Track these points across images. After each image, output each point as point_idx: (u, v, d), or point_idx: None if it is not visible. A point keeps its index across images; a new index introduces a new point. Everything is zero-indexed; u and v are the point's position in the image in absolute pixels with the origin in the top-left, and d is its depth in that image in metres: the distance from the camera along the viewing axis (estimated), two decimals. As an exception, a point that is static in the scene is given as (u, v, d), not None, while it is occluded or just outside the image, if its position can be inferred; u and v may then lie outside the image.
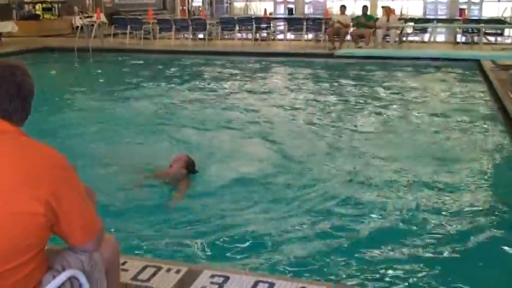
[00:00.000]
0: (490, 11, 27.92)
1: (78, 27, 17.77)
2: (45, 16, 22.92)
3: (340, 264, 4.00)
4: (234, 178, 5.74)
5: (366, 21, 16.34)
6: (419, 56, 14.88)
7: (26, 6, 22.62)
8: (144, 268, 3.18)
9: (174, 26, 18.20)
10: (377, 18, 16.91)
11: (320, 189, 5.51)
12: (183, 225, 4.66)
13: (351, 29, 16.52)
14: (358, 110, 9.50)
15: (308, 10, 33.18)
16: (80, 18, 18.44)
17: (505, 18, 19.10)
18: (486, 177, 6.04)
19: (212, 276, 3.11)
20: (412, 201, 5.23)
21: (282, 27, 20.31)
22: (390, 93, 10.99)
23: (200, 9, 31.18)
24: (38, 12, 22.88)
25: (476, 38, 17.04)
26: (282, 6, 33.71)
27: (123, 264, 3.16)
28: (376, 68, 14.03)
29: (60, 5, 23.23)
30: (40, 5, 22.91)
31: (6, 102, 1.97)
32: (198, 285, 3.02)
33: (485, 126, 8.34)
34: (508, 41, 17.23)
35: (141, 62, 15.42)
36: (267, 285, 3.03)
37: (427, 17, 21.76)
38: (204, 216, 4.83)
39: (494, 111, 9.10)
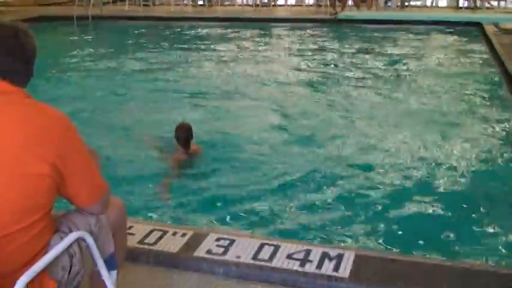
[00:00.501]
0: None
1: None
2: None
3: (345, 229, 4.04)
4: (239, 146, 5.74)
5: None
6: (421, 19, 14.69)
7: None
8: (150, 232, 3.22)
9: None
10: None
11: (325, 156, 5.53)
12: (190, 192, 4.68)
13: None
14: (360, 75, 9.40)
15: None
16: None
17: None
18: (487, 143, 6.03)
19: (218, 239, 3.14)
20: (415, 165, 5.26)
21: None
22: (392, 58, 10.90)
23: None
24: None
25: (478, 3, 16.83)
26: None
27: (130, 228, 3.18)
28: (378, 32, 13.89)
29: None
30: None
31: (8, 63, 1.95)
32: (203, 248, 3.05)
33: (488, 90, 8.30)
34: (511, 5, 16.97)
35: (141, 29, 15.26)
36: (272, 247, 3.05)
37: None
38: (211, 183, 4.85)
39: (497, 76, 9.04)
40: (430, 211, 4.34)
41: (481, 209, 4.39)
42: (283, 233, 3.87)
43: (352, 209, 4.35)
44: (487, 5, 16.71)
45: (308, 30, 14.43)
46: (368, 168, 5.19)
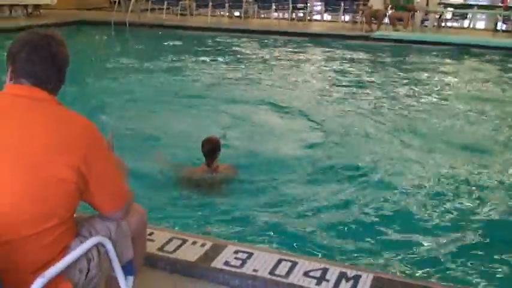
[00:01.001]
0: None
1: (115, 1, 17.90)
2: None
3: (365, 249, 4.01)
4: (264, 162, 5.74)
5: (404, 4, 16.03)
6: (456, 42, 14.57)
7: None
8: (170, 240, 3.24)
9: (210, 3, 18.18)
10: (416, 2, 16.58)
11: (350, 175, 5.48)
12: (211, 203, 4.71)
13: (389, 12, 16.24)
14: (392, 95, 9.38)
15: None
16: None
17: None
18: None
19: (236, 251, 3.15)
20: (444, 191, 5.19)
21: (318, 8, 20.09)
22: (425, 79, 10.84)
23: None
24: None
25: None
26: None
27: (150, 234, 3.22)
28: (413, 52, 13.82)
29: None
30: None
31: (41, 71, 2.00)
32: (222, 259, 3.06)
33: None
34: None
35: (178, 38, 15.46)
36: (290, 263, 3.05)
37: (468, 2, 21.28)
38: (231, 197, 4.88)
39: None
40: (457, 240, 4.25)
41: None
42: (301, 249, 3.87)
43: (375, 230, 4.31)
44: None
45: (342, 46, 14.42)
46: (396, 190, 5.13)
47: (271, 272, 2.96)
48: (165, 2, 18.41)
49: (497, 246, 4.17)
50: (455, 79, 11.02)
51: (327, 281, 2.90)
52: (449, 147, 6.57)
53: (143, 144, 6.07)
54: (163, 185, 5.03)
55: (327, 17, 19.33)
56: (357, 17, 17.74)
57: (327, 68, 11.98)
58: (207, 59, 12.45)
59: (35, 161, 1.87)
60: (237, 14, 19.28)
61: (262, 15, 19.53)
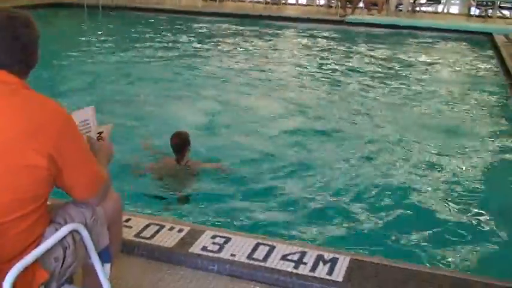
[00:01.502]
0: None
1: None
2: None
3: (342, 232, 4.04)
4: (241, 144, 5.75)
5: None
6: (430, 26, 14.67)
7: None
8: (147, 226, 3.22)
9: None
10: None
11: (325, 159, 5.54)
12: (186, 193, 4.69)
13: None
14: (364, 79, 9.41)
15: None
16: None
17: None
18: (491, 152, 6.02)
19: (214, 236, 3.14)
20: (416, 171, 5.26)
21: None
22: (399, 63, 10.90)
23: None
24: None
25: (490, 11, 16.77)
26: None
27: (127, 221, 3.20)
28: (387, 37, 13.87)
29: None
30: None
31: (3, 54, 1.93)
32: (199, 244, 3.05)
33: (495, 101, 8.27)
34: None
35: (151, 20, 15.28)
36: (267, 247, 3.05)
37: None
38: (206, 183, 4.85)
39: (504, 87, 9.00)
40: (430, 220, 4.32)
41: (480, 221, 4.38)
42: (279, 233, 3.87)
43: (351, 213, 4.35)
44: (498, 14, 16.65)
45: (317, 31, 14.42)
46: (370, 173, 5.19)
47: (249, 256, 2.97)
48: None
49: (470, 228, 4.26)
50: (428, 64, 11.09)
51: (305, 264, 2.92)
52: (423, 129, 6.65)
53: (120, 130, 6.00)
54: (137, 177, 4.96)
55: (302, 0, 19.27)
56: (332, 1, 17.72)
57: (300, 52, 11.97)
58: (178, 42, 12.33)
59: (3, 148, 1.82)
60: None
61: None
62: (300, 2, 19.15)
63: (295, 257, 2.97)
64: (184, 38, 12.83)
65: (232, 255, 2.97)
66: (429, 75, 10.03)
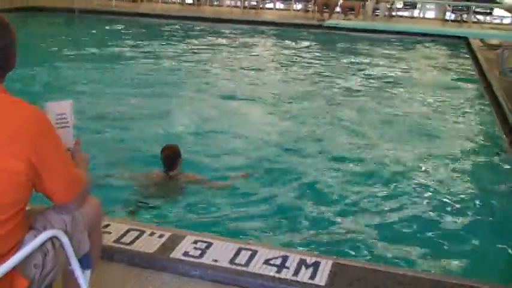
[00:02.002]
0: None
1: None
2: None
3: (324, 236, 4.04)
4: (222, 152, 5.71)
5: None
6: (407, 30, 14.80)
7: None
8: (127, 231, 3.18)
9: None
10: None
11: (304, 162, 5.55)
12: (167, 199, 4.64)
13: (341, 1, 16.37)
14: (342, 83, 9.46)
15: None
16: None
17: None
18: (469, 156, 6.08)
19: (195, 241, 3.11)
20: (395, 175, 5.29)
21: (271, -4, 20.00)
22: (376, 68, 10.97)
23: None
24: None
25: (465, 16, 17.01)
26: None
27: (107, 226, 3.15)
28: (364, 41, 13.97)
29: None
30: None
31: None
32: (181, 249, 3.02)
33: (471, 105, 8.36)
34: (497, 20, 17.18)
35: (127, 25, 15.17)
36: (250, 252, 3.03)
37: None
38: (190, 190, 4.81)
39: (480, 91, 9.12)
40: (412, 224, 4.33)
41: (461, 224, 4.41)
42: (261, 238, 3.86)
43: (332, 217, 4.35)
44: (473, 19, 16.89)
45: (294, 35, 14.45)
46: (350, 176, 5.20)
47: (232, 261, 2.94)
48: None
49: (448, 230, 4.29)
50: (405, 68, 11.20)
51: (287, 268, 2.90)
52: (397, 131, 6.69)
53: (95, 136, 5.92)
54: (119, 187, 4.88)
55: (280, 5, 19.32)
56: (309, 6, 17.81)
57: (277, 56, 12.00)
58: (156, 47, 12.25)
59: None
60: (189, 1, 19.06)
61: (215, 3, 19.36)
62: (277, 7, 19.20)
63: (278, 262, 2.95)
64: (161, 43, 12.76)
65: (214, 260, 2.94)
66: (407, 79, 10.12)
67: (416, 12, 18.21)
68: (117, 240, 3.08)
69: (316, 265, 2.94)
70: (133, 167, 5.15)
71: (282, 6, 19.29)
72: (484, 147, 6.44)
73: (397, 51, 13.17)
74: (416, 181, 5.20)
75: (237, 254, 3.01)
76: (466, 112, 7.91)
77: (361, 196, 4.76)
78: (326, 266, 2.93)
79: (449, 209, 4.65)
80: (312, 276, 2.84)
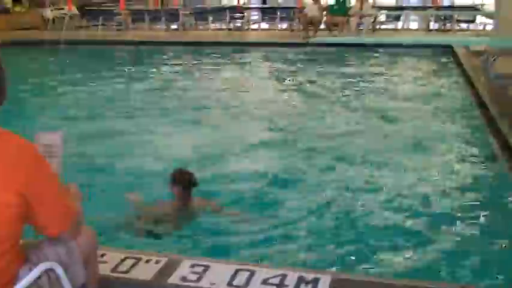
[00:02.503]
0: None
1: (49, 19, 17.47)
2: (15, 8, 22.32)
3: (322, 252, 4.02)
4: (214, 173, 5.66)
5: (338, 11, 16.32)
6: (392, 42, 14.92)
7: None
8: (123, 260, 3.15)
9: (147, 17, 18.00)
10: (350, 7, 16.91)
11: (298, 179, 5.52)
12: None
13: (325, 18, 16.50)
14: (332, 98, 9.51)
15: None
16: (51, 10, 18.14)
17: (476, 5, 19.26)
18: (458, 163, 6.09)
19: (192, 265, 3.09)
20: (388, 188, 5.28)
21: (256, 17, 20.16)
22: (364, 81, 11.05)
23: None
24: (8, 6, 22.28)
25: (448, 25, 17.19)
26: (255, -5, 33.44)
27: (102, 256, 3.12)
28: (350, 56, 14.08)
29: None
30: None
31: None
32: (178, 275, 2.99)
33: (459, 111, 8.41)
34: (480, 27, 17.37)
35: (115, 53, 15.23)
36: (247, 273, 3.01)
37: (400, 4, 22.02)
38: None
39: (466, 97, 9.18)
40: (410, 235, 4.31)
41: (459, 233, 4.39)
42: (258, 258, 3.83)
43: (330, 232, 4.34)
44: (456, 27, 17.07)
45: (281, 54, 14.55)
46: (343, 191, 5.18)
47: (230, 284, 2.92)
48: (100, 18, 18.11)
49: (447, 242, 4.27)
50: (393, 79, 11.30)
51: (286, 286, 2.88)
52: (388, 144, 6.70)
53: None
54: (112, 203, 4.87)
55: (265, 25, 19.47)
56: (294, 25, 17.94)
57: (269, 76, 12.07)
58: (145, 73, 12.29)
59: None
60: (174, 26, 19.17)
61: (201, 27, 19.49)
62: (262, 27, 19.34)
63: (276, 281, 2.93)
64: (149, 68, 12.81)
65: (212, 283, 2.92)
66: (395, 90, 10.19)
67: (400, 24, 18.37)
68: (114, 269, 3.05)
69: (315, 281, 2.92)
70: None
71: (266, 26, 19.44)
72: (473, 152, 6.45)
73: (383, 63, 13.27)
74: (411, 192, 5.19)
75: (234, 275, 2.99)
76: (453, 119, 7.95)
77: (357, 209, 4.75)
78: (325, 281, 2.92)
79: (445, 219, 4.61)
80: (312, 293, 2.82)
